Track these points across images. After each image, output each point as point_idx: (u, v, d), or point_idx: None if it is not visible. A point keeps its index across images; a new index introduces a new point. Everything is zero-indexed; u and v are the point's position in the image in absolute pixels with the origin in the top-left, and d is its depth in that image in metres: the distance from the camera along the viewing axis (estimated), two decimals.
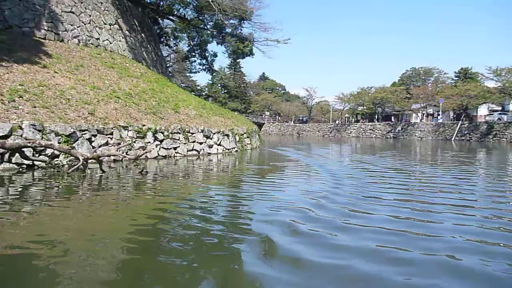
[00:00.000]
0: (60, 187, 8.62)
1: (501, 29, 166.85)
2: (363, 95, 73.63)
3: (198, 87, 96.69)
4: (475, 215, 6.50)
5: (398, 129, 61.03)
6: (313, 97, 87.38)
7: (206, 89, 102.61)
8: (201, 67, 46.89)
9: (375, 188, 9.29)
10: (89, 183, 9.27)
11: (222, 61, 63.89)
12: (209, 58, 45.30)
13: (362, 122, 74.74)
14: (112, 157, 12.06)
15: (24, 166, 10.60)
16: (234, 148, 19.74)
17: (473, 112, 59.13)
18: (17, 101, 11.94)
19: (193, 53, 45.91)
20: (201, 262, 4.19)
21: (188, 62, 48.16)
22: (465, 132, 49.43)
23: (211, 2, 28.66)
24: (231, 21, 40.06)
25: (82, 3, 21.42)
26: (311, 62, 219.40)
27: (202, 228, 5.46)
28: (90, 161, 10.70)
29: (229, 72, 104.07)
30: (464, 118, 53.69)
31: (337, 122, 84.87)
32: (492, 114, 55.90)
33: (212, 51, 45.12)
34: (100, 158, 10.28)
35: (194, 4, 39.06)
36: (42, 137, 11.03)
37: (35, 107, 12.09)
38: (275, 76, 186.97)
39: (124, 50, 24.13)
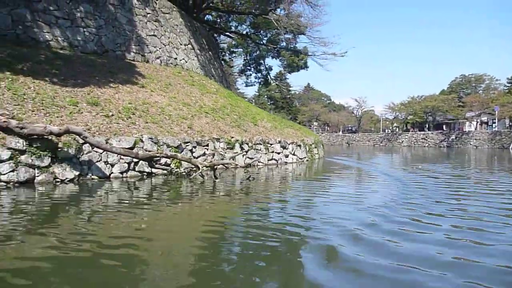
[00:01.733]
0: (182, 190, 10.24)
1: None
2: (414, 104, 73.19)
3: (246, 99, 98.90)
4: None
5: (452, 137, 60.32)
6: (362, 107, 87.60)
7: (253, 100, 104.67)
8: (256, 80, 48.83)
9: (442, 194, 9.98)
10: (205, 187, 10.85)
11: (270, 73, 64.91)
12: (264, 72, 47.10)
13: (413, 131, 74.11)
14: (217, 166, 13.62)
15: (145, 173, 12.36)
16: (305, 157, 21.06)
17: None
18: (132, 117, 13.79)
19: (249, 67, 47.85)
20: (264, 262, 4.57)
21: (244, 76, 50.15)
22: None
23: (273, 21, 30.36)
24: (286, 35, 41.68)
25: (162, 26, 23.52)
26: (356, 71, 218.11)
27: (271, 228, 6.08)
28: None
29: (275, 83, 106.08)
30: None
31: (387, 131, 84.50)
32: None
33: (267, 64, 46.70)
34: (214, 167, 11.87)
35: (250, 21, 41.02)
36: (157, 149, 12.77)
37: (147, 122, 13.90)
38: (319, 86, 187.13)
39: (197, 68, 26.09)
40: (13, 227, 5.92)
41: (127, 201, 8.58)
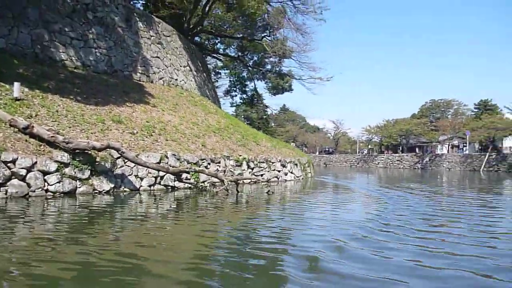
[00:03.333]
0: (214, 201, 11.32)
1: None
2: (389, 127, 76.13)
3: None
4: None
5: (425, 160, 63.07)
6: (339, 128, 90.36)
7: None
8: (241, 101, 50.28)
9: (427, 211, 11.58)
10: (231, 200, 11.94)
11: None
12: (249, 93, 48.62)
13: (387, 153, 76.86)
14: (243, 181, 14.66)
15: (170, 187, 13.34)
16: (301, 176, 22.34)
17: (498, 144, 60.87)
18: (154, 135, 14.80)
19: (234, 88, 49.30)
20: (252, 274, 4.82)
21: (229, 97, 51.51)
22: (493, 163, 51.33)
23: (265, 45, 31.95)
24: (272, 59, 43.35)
25: (164, 49, 24.68)
26: (330, 93, 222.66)
27: (267, 242, 6.43)
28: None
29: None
30: (491, 150, 55.46)
31: (364, 152, 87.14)
32: None
33: (252, 85, 48.31)
34: (238, 181, 12.99)
35: (237, 44, 42.54)
36: (179, 164, 13.79)
37: (167, 140, 14.94)
38: (294, 107, 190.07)
39: (194, 89, 27.26)
40: (56, 233, 6.65)
41: (153, 213, 9.44)
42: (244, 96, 49.23)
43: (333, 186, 20.91)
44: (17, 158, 9.99)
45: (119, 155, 11.99)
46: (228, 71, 48.13)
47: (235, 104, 53.97)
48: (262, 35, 34.22)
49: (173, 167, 13.26)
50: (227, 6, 34.26)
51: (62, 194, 10.59)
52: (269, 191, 13.29)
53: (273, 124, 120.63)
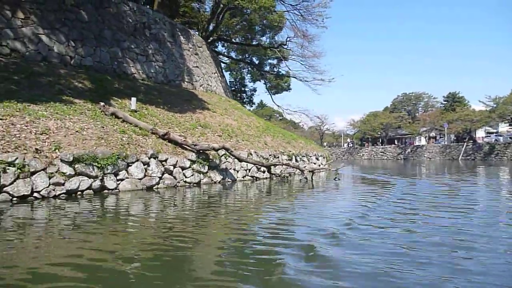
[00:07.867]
0: (293, 188, 14.92)
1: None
2: (371, 120, 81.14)
3: None
4: None
5: (407, 151, 68.23)
6: (324, 123, 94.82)
7: None
8: (240, 100, 53.55)
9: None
10: (302, 186, 15.51)
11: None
12: (249, 93, 52.13)
13: (371, 146, 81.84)
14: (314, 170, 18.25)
15: (254, 177, 16.82)
16: (327, 166, 26.15)
17: (472, 135, 66.56)
18: (233, 136, 18.19)
19: (233, 88, 52.54)
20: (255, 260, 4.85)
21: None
22: (470, 153, 56.66)
23: (277, 52, 35.54)
24: (270, 61, 46.89)
25: (200, 58, 27.94)
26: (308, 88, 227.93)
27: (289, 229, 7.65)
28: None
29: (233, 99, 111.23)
30: (467, 140, 60.80)
31: (349, 145, 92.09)
32: (489, 136, 63.71)
33: (252, 86, 51.86)
34: (314, 171, 16.60)
35: (239, 47, 45.85)
36: (259, 160, 17.26)
37: (243, 140, 18.36)
38: (269, 102, 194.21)
39: (223, 94, 30.60)
40: (188, 212, 9.40)
41: (249, 196, 13.00)
42: (244, 95, 52.61)
43: (356, 176, 24.64)
44: (168, 158, 13.30)
45: (223, 154, 15.39)
46: (229, 72, 51.34)
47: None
48: (280, 43, 37.73)
49: (265, 162, 16.76)
50: (230, 13, 37.45)
51: (194, 184, 13.92)
52: (336, 177, 16.97)
53: None
